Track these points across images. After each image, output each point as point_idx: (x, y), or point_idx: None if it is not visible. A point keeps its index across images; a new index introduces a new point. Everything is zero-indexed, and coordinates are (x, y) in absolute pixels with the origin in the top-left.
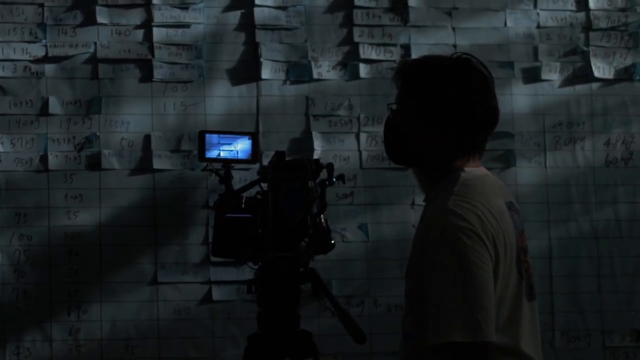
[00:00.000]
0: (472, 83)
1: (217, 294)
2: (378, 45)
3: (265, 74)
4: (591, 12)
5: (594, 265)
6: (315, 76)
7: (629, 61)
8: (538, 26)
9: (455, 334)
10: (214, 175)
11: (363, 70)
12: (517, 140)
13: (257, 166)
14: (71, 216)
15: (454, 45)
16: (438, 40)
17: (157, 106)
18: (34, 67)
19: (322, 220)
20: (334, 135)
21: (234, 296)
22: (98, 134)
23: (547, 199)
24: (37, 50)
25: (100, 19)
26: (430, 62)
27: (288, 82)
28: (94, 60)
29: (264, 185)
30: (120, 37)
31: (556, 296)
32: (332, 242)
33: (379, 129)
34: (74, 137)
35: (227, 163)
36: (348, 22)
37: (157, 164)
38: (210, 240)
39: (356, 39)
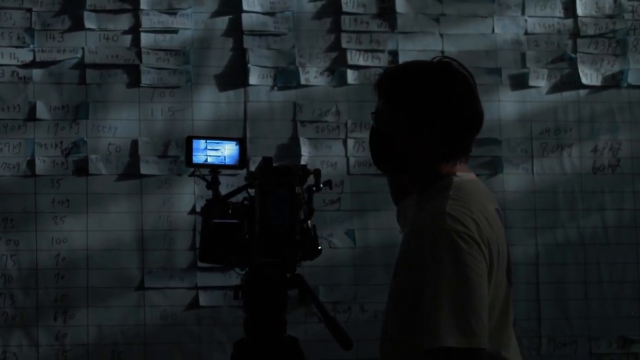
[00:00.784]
0: (455, 86)
1: (203, 299)
2: (366, 51)
3: (252, 79)
4: (579, 19)
5: (580, 272)
6: (302, 82)
7: (616, 68)
8: (526, 33)
9: (450, 339)
10: (201, 180)
11: (351, 76)
12: (505, 147)
13: (244, 172)
14: (58, 221)
15: (442, 52)
16: (426, 47)
17: (145, 111)
18: (22, 72)
19: (309, 226)
20: (321, 141)
21: (221, 302)
22: (85, 139)
23: (534, 205)
24: (25, 55)
25: (88, 24)
26: (412, 67)
27: (275, 88)
28: (81, 65)
29: (251, 191)
30: (108, 43)
31: (543, 303)
32: (319, 248)
33: (367, 135)
34: (61, 142)
35: (215, 168)
36: (336, 28)
37: (144, 169)
38: (197, 245)
39: (344, 45)
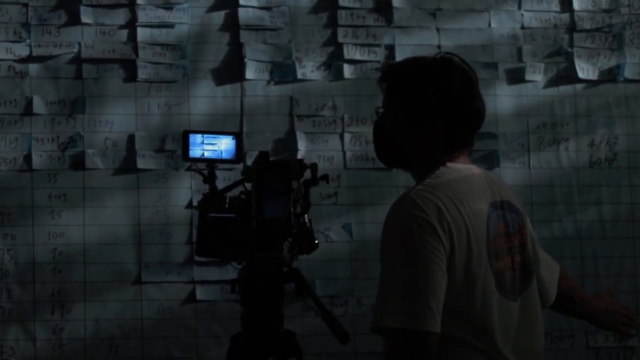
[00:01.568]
0: (455, 81)
1: (200, 293)
2: (362, 45)
3: (249, 74)
4: (575, 13)
5: (577, 265)
6: (299, 76)
7: (612, 62)
8: (522, 27)
9: (390, 319)
10: (197, 175)
11: (347, 70)
12: (501, 141)
13: (240, 166)
14: (55, 216)
15: (438, 46)
16: (422, 41)
17: (141, 106)
18: (18, 67)
19: (306, 220)
20: (317, 135)
21: (218, 296)
22: (82, 133)
23: (530, 199)
24: (21, 50)
25: (84, 19)
26: (413, 63)
27: (272, 82)
28: (78, 60)
29: (248, 185)
30: (105, 37)
31: None
32: (316, 242)
33: (363, 130)
34: (58, 137)
35: (211, 163)
36: (332, 23)
37: (141, 164)
38: (194, 240)
39: (340, 39)
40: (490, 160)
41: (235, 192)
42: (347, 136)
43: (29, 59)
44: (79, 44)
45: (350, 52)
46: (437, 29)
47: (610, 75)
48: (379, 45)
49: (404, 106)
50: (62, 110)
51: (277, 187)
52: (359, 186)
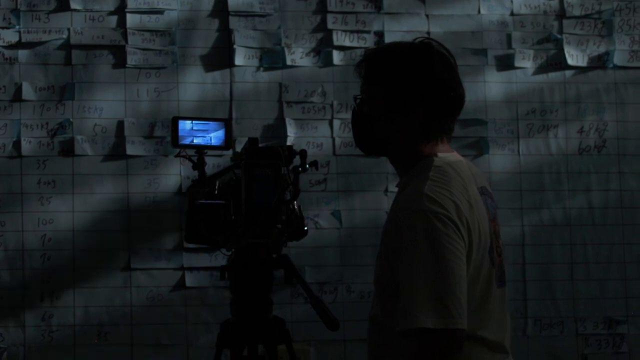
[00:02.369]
0: (435, 65)
1: (190, 280)
2: (352, 32)
3: (238, 60)
4: (565, 0)
5: (566, 252)
6: (288, 63)
7: (602, 49)
8: (512, 14)
9: (426, 320)
10: (187, 161)
11: (336, 57)
12: (490, 128)
13: (230, 152)
14: (44, 202)
15: (428, 32)
16: (411, 27)
17: (131, 92)
18: (7, 53)
19: (295, 207)
20: (307, 122)
21: (207, 282)
22: (71, 119)
23: (520, 186)
24: (11, 36)
25: (73, 5)
26: (391, 48)
27: (261, 68)
28: (67, 46)
29: (237, 172)
30: (94, 23)
31: (529, 283)
32: (305, 228)
33: None
34: (47, 123)
35: (201, 149)
36: (322, 9)
37: (130, 150)
38: (183, 226)
39: (330, 25)
40: (479, 147)
41: (225, 178)
42: (336, 123)
43: (18, 45)
44: (68, 30)
45: (339, 39)
46: (427, 15)
47: (599, 62)
48: (368, 32)
49: (383, 91)
50: (51, 96)
51: (266, 173)
52: (348, 173)
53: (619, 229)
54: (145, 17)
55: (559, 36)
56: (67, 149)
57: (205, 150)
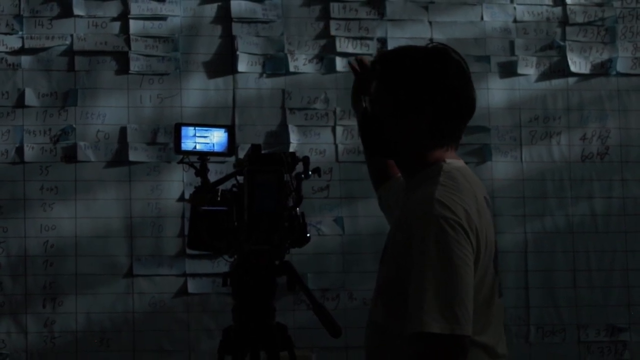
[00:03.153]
0: (447, 71)
1: (192, 286)
2: (355, 38)
3: (241, 67)
4: (568, 6)
5: (569, 259)
6: (291, 69)
7: (605, 56)
8: (515, 20)
9: (433, 324)
10: (189, 167)
11: (339, 63)
12: (493, 135)
13: (233, 159)
14: (47, 208)
15: (431, 39)
16: (415, 34)
17: (133, 98)
18: (10, 59)
19: (298, 214)
20: (310, 128)
21: (209, 289)
22: (74, 126)
23: (522, 193)
24: (14, 42)
25: (76, 10)
26: (406, 52)
27: (264, 75)
28: (70, 52)
29: (240, 178)
30: (97, 29)
31: (531, 291)
32: (308, 235)
33: (355, 123)
34: (50, 129)
35: (203, 156)
36: (325, 16)
37: (133, 156)
38: (185, 232)
39: (333, 32)
40: (482, 154)
41: (227, 185)
42: (339, 129)
43: (21, 51)
44: (71, 36)
45: (342, 45)
46: (430, 22)
47: (602, 69)
48: (371, 38)
49: (393, 92)
50: (54, 102)
51: (269, 180)
52: (351, 179)
53: (621, 237)
54: (148, 23)
55: (561, 43)
56: (70, 155)
57: (208, 157)
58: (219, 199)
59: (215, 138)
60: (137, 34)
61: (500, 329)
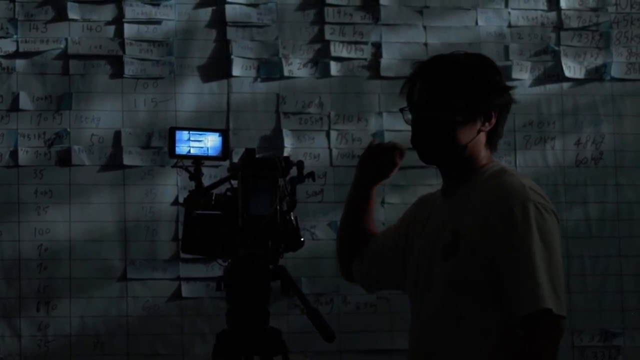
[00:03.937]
0: (502, 76)
1: (186, 290)
2: (349, 43)
3: (236, 71)
4: (562, 11)
5: (563, 264)
6: (286, 74)
7: (599, 61)
8: (509, 25)
9: (550, 302)
10: (184, 171)
11: (334, 68)
12: None
13: (227, 163)
14: (41, 212)
15: (425, 44)
16: (409, 39)
17: (128, 102)
18: (5, 63)
19: (292, 218)
20: (304, 132)
21: (203, 293)
22: (68, 129)
23: None
24: (8, 46)
25: (71, 14)
26: (463, 57)
27: (259, 79)
28: (65, 56)
29: (234, 183)
30: (92, 33)
31: None
32: (302, 239)
33: (350, 127)
34: (44, 133)
35: (197, 160)
36: (319, 20)
37: (127, 160)
38: (179, 237)
39: (327, 36)
40: None
41: (222, 189)
42: (333, 134)
43: (16, 54)
44: (66, 40)
45: (337, 50)
46: (424, 27)
47: (596, 74)
48: (365, 43)
49: (468, 98)
50: (48, 106)
51: (263, 184)
52: (345, 184)
53: (615, 241)
54: (142, 27)
55: (556, 48)
56: (64, 159)
57: (202, 161)
58: (213, 203)
59: (210, 142)
60: (131, 38)
61: None
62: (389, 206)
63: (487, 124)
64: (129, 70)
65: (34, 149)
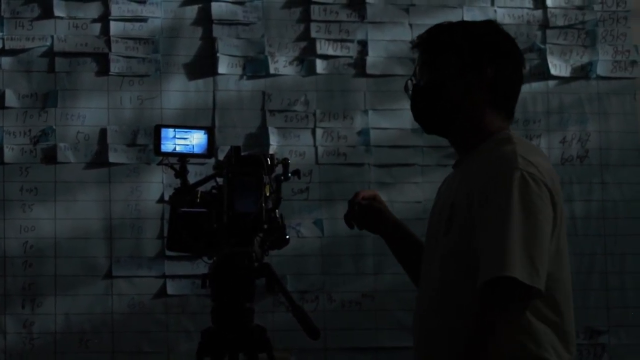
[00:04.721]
0: (503, 36)
1: (171, 288)
2: (335, 41)
3: (221, 68)
4: (548, 9)
5: None
6: (272, 71)
7: (585, 59)
8: None
9: (516, 270)
10: (169, 169)
11: (320, 66)
12: None
13: (212, 161)
14: (26, 209)
15: (411, 42)
16: (395, 37)
17: (114, 100)
18: None
19: (277, 216)
20: (290, 130)
21: (189, 290)
22: (54, 127)
23: None
24: None
25: (57, 12)
26: (457, 23)
27: (244, 77)
28: (50, 53)
29: (220, 180)
30: (78, 31)
31: None
32: (287, 237)
33: (335, 125)
34: (30, 130)
35: (183, 157)
36: (305, 18)
37: (112, 158)
38: (165, 234)
39: (313, 34)
40: None
41: (207, 186)
42: (319, 131)
43: (2, 52)
44: (52, 37)
45: (323, 48)
46: (410, 25)
47: (582, 72)
48: (351, 41)
49: (460, 54)
50: (34, 103)
51: (249, 182)
52: (331, 181)
53: (601, 239)
54: (128, 25)
55: (542, 46)
56: (50, 157)
57: (188, 159)
58: (198, 200)
59: (195, 140)
60: (117, 35)
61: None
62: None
63: (483, 79)
64: (114, 67)
65: (20, 147)
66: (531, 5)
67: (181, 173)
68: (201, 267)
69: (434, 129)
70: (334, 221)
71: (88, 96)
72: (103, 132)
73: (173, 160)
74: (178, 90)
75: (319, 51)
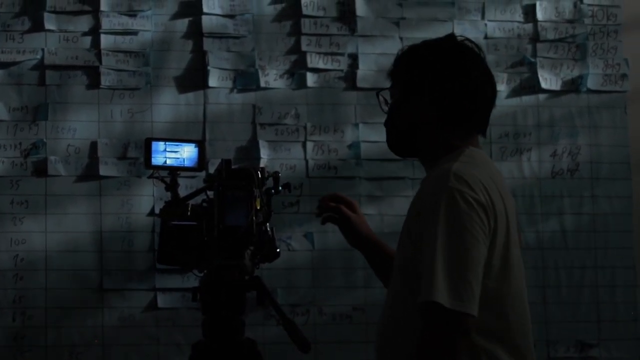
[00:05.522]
0: (458, 53)
1: (162, 301)
2: (325, 54)
3: (212, 82)
4: (539, 23)
5: (539, 276)
6: (262, 85)
7: (575, 73)
8: (485, 37)
9: (441, 296)
10: (160, 182)
11: (310, 79)
12: None
13: (203, 174)
14: (17, 222)
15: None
16: (385, 50)
17: (104, 113)
18: None
19: (268, 229)
20: (280, 143)
21: (179, 303)
22: (45, 140)
23: None
24: None
25: (48, 25)
26: (418, 45)
27: (235, 90)
28: (41, 66)
29: (210, 193)
30: (68, 44)
31: None
32: (278, 250)
33: (326, 138)
34: (20, 144)
35: (174, 170)
36: (296, 31)
37: (103, 171)
38: (155, 247)
39: (304, 47)
40: None
41: (198, 199)
42: (309, 145)
43: None
44: (43, 50)
45: (313, 61)
46: (401, 38)
47: (573, 86)
48: (342, 54)
49: (402, 81)
50: (24, 116)
51: (239, 195)
52: (321, 195)
53: (591, 253)
54: (119, 38)
55: (532, 59)
56: (40, 170)
57: (179, 172)
58: (189, 213)
59: (186, 153)
60: (108, 48)
61: (527, 330)
62: (365, 217)
63: (423, 99)
64: (105, 80)
65: (10, 160)
66: (522, 19)
67: (172, 186)
68: (192, 280)
69: (401, 153)
70: (324, 234)
71: (79, 109)
72: (94, 145)
73: (164, 173)
74: (168, 104)
75: (309, 64)
